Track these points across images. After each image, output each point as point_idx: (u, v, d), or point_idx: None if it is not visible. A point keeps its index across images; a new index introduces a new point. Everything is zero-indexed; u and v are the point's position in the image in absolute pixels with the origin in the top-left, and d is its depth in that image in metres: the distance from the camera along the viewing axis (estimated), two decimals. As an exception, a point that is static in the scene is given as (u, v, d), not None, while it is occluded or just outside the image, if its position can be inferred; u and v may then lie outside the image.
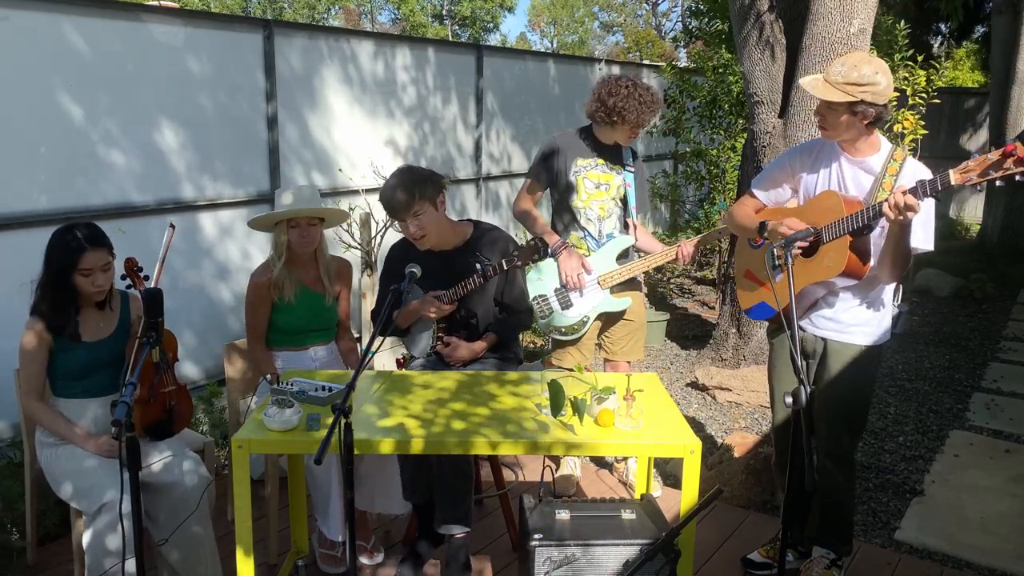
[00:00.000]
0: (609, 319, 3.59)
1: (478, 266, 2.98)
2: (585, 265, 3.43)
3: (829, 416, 2.75)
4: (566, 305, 3.49)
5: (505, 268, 2.93)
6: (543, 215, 3.63)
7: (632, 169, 3.50)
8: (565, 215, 3.54)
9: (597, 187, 3.46)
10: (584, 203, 3.48)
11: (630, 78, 3.33)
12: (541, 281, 3.52)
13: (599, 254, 3.49)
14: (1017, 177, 2.10)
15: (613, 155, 3.48)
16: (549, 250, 3.45)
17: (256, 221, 3.14)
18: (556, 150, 3.48)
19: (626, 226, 3.56)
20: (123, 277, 2.71)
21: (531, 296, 3.52)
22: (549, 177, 3.51)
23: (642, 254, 3.62)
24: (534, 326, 3.53)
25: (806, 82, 2.55)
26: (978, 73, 16.09)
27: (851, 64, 2.45)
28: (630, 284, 3.56)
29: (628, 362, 3.70)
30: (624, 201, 3.52)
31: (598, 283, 3.48)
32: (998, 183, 2.15)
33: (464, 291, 2.99)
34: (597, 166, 3.46)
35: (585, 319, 3.50)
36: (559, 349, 3.60)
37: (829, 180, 2.66)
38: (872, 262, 2.57)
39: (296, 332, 3.16)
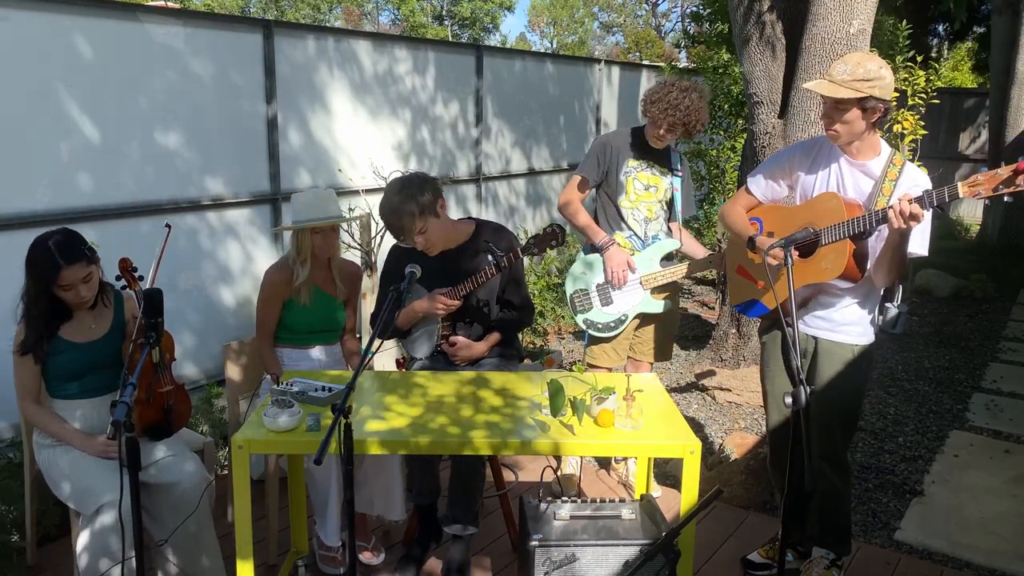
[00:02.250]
0: (644, 320, 3.59)
1: (490, 257, 2.95)
2: (630, 263, 3.43)
3: (822, 416, 2.74)
4: (607, 302, 3.50)
5: (521, 256, 2.88)
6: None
7: (680, 174, 3.51)
8: (612, 214, 3.53)
9: (646, 189, 3.46)
10: (632, 204, 3.48)
11: (676, 83, 3.29)
12: (585, 275, 3.53)
13: (644, 254, 3.50)
14: None
15: (662, 158, 3.49)
16: (597, 245, 3.46)
17: (286, 227, 3.13)
18: (609, 149, 3.48)
19: (669, 230, 3.58)
20: (117, 277, 2.71)
21: (572, 290, 3.54)
22: (600, 175, 3.51)
23: (683, 257, 3.63)
24: (572, 318, 3.53)
25: (812, 85, 2.52)
26: (976, 75, 16.06)
27: (855, 62, 2.45)
28: (668, 286, 3.55)
29: (651, 363, 3.70)
30: (670, 205, 3.53)
31: (640, 283, 3.48)
32: (1006, 199, 2.15)
33: (474, 285, 2.97)
34: (647, 168, 3.47)
35: (623, 317, 3.50)
36: (594, 346, 3.60)
37: (828, 182, 2.65)
38: (868, 265, 2.57)
39: (304, 331, 3.16)
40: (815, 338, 2.74)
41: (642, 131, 3.47)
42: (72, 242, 2.53)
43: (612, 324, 3.51)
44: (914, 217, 2.26)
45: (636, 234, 3.51)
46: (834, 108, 2.48)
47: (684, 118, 3.25)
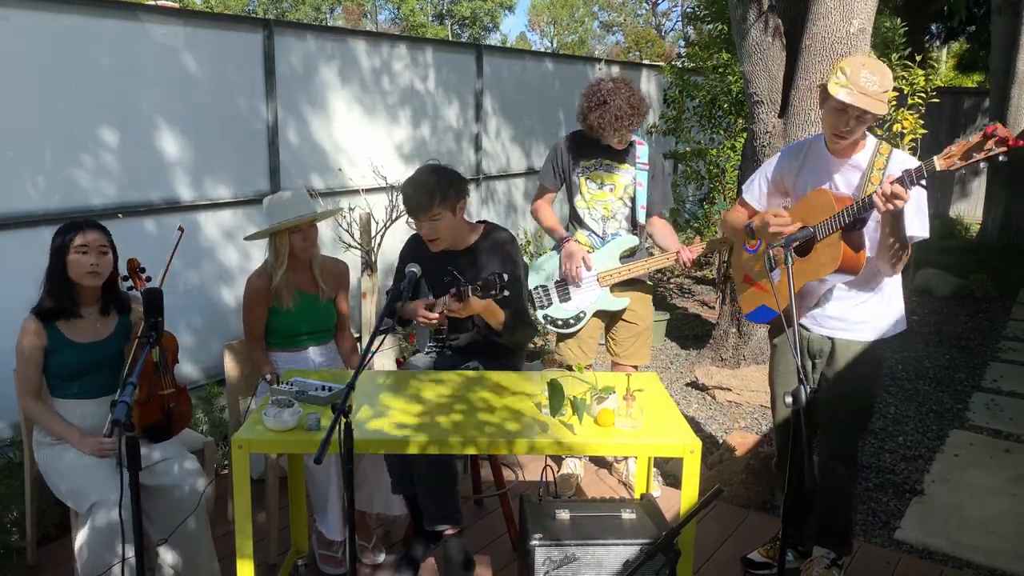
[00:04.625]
0: (612, 319, 3.59)
1: (452, 290, 2.81)
2: (586, 260, 3.44)
3: (838, 415, 2.74)
4: (564, 298, 3.53)
5: (469, 295, 2.70)
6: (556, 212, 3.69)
7: (645, 167, 3.47)
8: (573, 215, 3.59)
9: (600, 187, 3.46)
10: (587, 203, 3.49)
11: (613, 82, 3.26)
12: (544, 272, 3.58)
13: (602, 251, 3.50)
14: (1000, 158, 2.10)
15: (620, 154, 3.45)
16: (556, 242, 3.53)
17: (261, 233, 3.11)
18: (560, 153, 3.52)
19: (634, 225, 3.55)
20: (124, 278, 2.71)
21: (533, 285, 3.58)
22: (557, 179, 3.56)
23: (658, 250, 3.61)
24: (534, 316, 3.53)
25: (851, 99, 2.41)
26: (960, 73, 16.01)
27: (880, 72, 2.43)
28: (634, 285, 3.54)
29: (635, 366, 3.69)
30: (633, 200, 3.50)
31: (597, 280, 3.48)
32: (982, 165, 2.16)
33: (448, 308, 2.86)
34: (601, 166, 3.46)
35: (581, 314, 3.51)
36: (561, 343, 3.63)
37: (818, 181, 2.66)
38: (870, 255, 2.57)
39: (294, 335, 3.16)
40: (831, 339, 2.74)
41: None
42: (94, 221, 2.68)
43: (571, 320, 3.52)
44: (896, 196, 2.26)
45: (595, 232, 3.53)
46: (859, 119, 2.46)
47: (629, 121, 3.23)
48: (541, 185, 3.64)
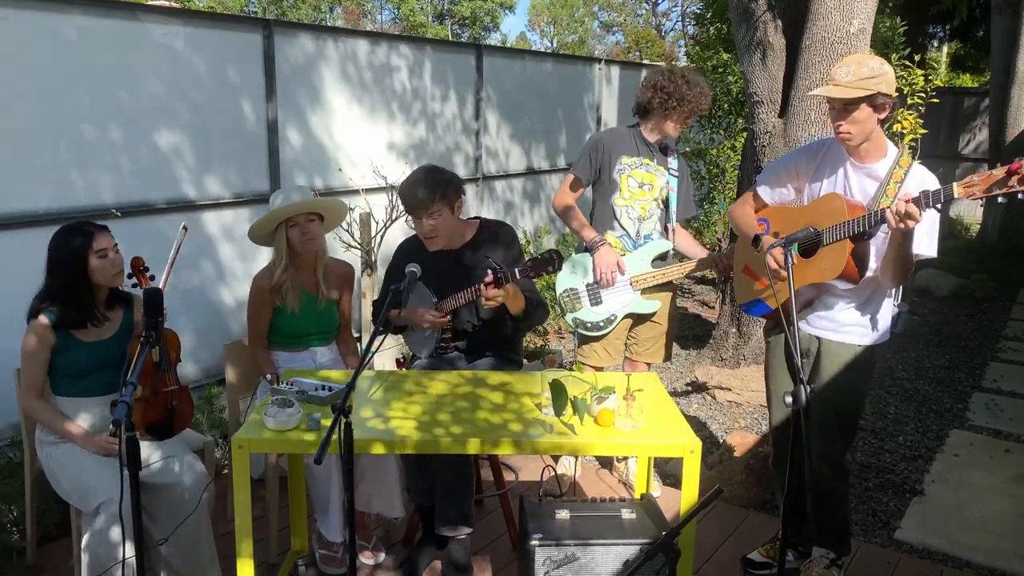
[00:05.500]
0: (638, 320, 3.58)
1: (489, 272, 2.89)
2: (620, 264, 3.42)
3: (821, 417, 2.74)
4: (596, 301, 3.49)
5: (518, 277, 2.81)
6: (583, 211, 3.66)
7: (676, 173, 3.48)
8: (605, 213, 3.52)
9: (640, 187, 3.45)
10: (626, 202, 3.47)
11: (681, 68, 3.39)
12: (574, 275, 3.52)
13: (635, 255, 3.48)
14: (1020, 195, 2.10)
15: (660, 156, 3.48)
16: (586, 245, 3.48)
17: (256, 229, 3.08)
18: (601, 147, 3.47)
19: (665, 229, 3.55)
20: (129, 276, 2.72)
21: (562, 288, 3.54)
22: (592, 173, 3.50)
23: (681, 258, 3.60)
24: (561, 318, 3.53)
25: (819, 91, 2.49)
26: (968, 74, 15.98)
27: (855, 62, 2.46)
28: (662, 287, 3.53)
29: (648, 364, 3.69)
30: (666, 204, 3.51)
31: (630, 284, 3.47)
32: (1000, 199, 2.15)
33: (467, 299, 2.95)
34: (642, 165, 3.45)
35: (612, 317, 3.49)
36: (585, 345, 3.60)
37: (834, 185, 2.65)
38: (874, 265, 2.57)
39: (297, 335, 3.16)
40: (818, 338, 2.74)
41: (638, 128, 3.47)
42: (90, 220, 2.66)
43: (601, 324, 3.50)
44: (910, 216, 2.25)
45: (628, 233, 3.49)
46: (844, 110, 2.47)
47: (708, 95, 3.38)
48: (575, 177, 3.52)
